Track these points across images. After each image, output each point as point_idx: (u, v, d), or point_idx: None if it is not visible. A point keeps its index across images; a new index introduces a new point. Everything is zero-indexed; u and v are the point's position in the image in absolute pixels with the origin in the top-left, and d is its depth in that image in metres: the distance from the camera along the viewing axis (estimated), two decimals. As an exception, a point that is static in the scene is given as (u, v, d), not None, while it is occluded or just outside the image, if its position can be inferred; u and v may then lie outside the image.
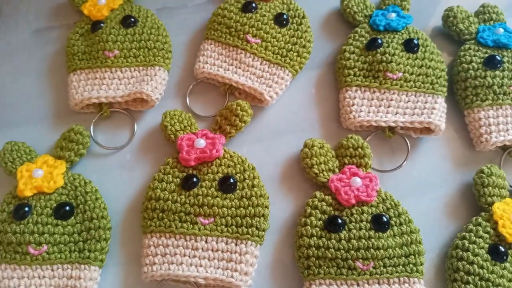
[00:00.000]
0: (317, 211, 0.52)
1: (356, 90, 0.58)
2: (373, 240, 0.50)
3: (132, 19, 0.59)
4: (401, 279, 0.50)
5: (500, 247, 0.51)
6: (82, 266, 0.49)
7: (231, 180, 0.52)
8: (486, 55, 0.59)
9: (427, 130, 0.57)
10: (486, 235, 0.51)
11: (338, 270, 0.49)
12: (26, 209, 0.50)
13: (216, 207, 0.51)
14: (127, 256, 0.52)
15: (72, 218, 0.51)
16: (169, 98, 0.59)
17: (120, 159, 0.56)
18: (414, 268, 0.50)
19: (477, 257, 0.50)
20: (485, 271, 0.49)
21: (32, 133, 0.57)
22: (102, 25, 0.59)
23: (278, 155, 0.57)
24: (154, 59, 0.58)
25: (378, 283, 0.49)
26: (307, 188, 0.55)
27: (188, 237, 0.50)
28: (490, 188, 0.53)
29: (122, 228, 0.53)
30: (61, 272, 0.49)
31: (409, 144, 0.57)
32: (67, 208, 0.51)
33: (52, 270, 0.49)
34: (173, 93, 0.60)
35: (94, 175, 0.54)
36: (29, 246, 0.49)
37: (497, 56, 0.58)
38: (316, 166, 0.54)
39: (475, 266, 0.50)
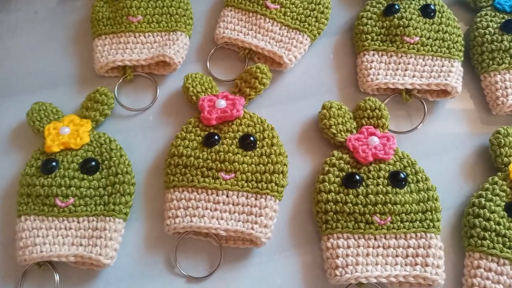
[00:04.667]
0: (335, 168, 0.53)
1: (373, 54, 0.59)
2: (390, 195, 0.51)
3: (155, -14, 0.61)
4: (418, 234, 0.50)
5: (517, 205, 0.51)
6: (107, 218, 0.51)
7: (251, 138, 0.53)
8: (503, 20, 0.60)
9: (444, 93, 0.58)
10: (503, 194, 0.52)
11: (356, 225, 0.50)
12: (54, 163, 0.52)
13: (237, 163, 0.52)
14: (150, 212, 0.54)
15: (98, 173, 0.53)
16: (190, 63, 0.61)
17: (143, 121, 0.58)
18: (431, 224, 0.51)
19: (493, 214, 0.51)
20: (501, 227, 0.50)
21: (59, 96, 0.59)
22: (126, -9, 0.61)
23: (297, 118, 0.58)
24: (176, 24, 0.60)
25: (395, 238, 0.50)
26: (325, 149, 0.56)
27: (210, 192, 0.51)
28: (507, 148, 0.54)
29: (144, 186, 0.55)
30: (87, 224, 0.51)
31: (426, 107, 0.58)
32: (93, 163, 0.53)
33: (78, 222, 0.51)
34: (194, 59, 0.62)
35: (118, 135, 0.56)
36: (57, 198, 0.51)
37: (514, 21, 0.59)
38: (334, 127, 0.55)
39: (492, 222, 0.50)
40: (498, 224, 0.50)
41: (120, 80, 0.59)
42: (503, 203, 0.51)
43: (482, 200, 0.52)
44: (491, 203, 0.51)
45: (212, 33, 0.62)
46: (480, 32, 0.60)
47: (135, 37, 0.59)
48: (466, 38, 0.61)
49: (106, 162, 0.53)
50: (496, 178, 0.53)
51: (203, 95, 0.56)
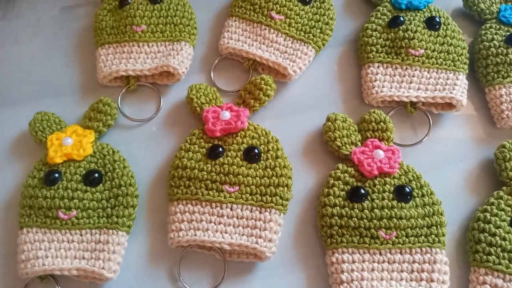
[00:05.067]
0: (340, 182, 0.53)
1: (378, 66, 0.58)
2: (395, 210, 0.51)
3: (159, -5, 0.61)
4: (423, 249, 0.50)
5: (522, 220, 0.51)
6: (110, 231, 0.50)
7: (256, 150, 0.53)
8: (508, 33, 0.60)
9: (449, 106, 0.58)
10: (508, 208, 0.52)
11: (361, 239, 0.50)
12: (56, 175, 0.52)
13: (241, 176, 0.52)
14: (153, 225, 0.53)
15: (101, 185, 0.52)
16: (194, 73, 0.61)
17: (146, 131, 0.58)
18: (436, 239, 0.51)
19: (499, 229, 0.50)
20: (507, 242, 0.50)
21: (61, 106, 0.58)
22: (129, 1, 0.60)
23: (301, 130, 0.58)
24: (180, 34, 0.59)
25: (401, 252, 0.50)
26: (329, 162, 0.56)
27: (214, 204, 0.51)
28: (512, 162, 0.54)
29: (148, 198, 0.54)
30: (90, 237, 0.50)
31: (431, 120, 0.57)
32: (96, 175, 0.52)
33: (81, 234, 0.50)
34: (198, 69, 0.61)
35: (121, 146, 0.56)
36: (59, 210, 0.50)
37: (519, 34, 0.59)
38: (339, 139, 0.54)
39: (497, 237, 0.50)
40: (504, 239, 0.50)
41: (124, 90, 0.59)
42: (508, 218, 0.51)
43: (488, 214, 0.51)
44: (497, 218, 0.51)
45: (216, 43, 0.61)
46: (485, 45, 0.60)
47: (138, 46, 0.59)
48: (471, 50, 0.61)
49: (109, 173, 0.53)
50: (501, 193, 0.53)
51: (207, 106, 0.56)
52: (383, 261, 0.50)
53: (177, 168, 0.52)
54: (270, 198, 0.51)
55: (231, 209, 0.51)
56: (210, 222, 0.50)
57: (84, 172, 0.52)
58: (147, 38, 0.59)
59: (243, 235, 0.50)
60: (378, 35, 0.60)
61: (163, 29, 0.60)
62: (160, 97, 0.59)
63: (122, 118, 0.58)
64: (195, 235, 0.49)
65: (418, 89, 0.57)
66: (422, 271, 0.49)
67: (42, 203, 0.50)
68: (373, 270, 0.49)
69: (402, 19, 0.60)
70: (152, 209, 0.54)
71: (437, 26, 0.60)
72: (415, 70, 0.58)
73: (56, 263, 0.48)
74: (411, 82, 0.58)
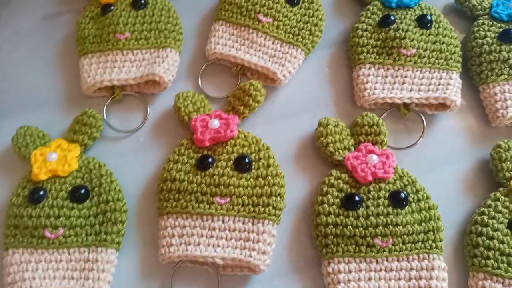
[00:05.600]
0: (334, 189, 0.51)
1: (370, 68, 0.57)
2: (391, 216, 0.49)
3: (142, 1, 0.59)
4: (421, 255, 0.49)
5: (520, 221, 0.50)
6: (99, 249, 0.49)
7: (246, 160, 0.52)
8: (501, 29, 0.58)
9: (443, 106, 0.57)
10: (506, 210, 0.51)
11: (357, 248, 0.49)
12: (41, 193, 0.50)
13: (232, 187, 0.50)
14: (144, 239, 0.52)
15: (88, 201, 0.51)
16: (181, 80, 0.59)
17: (134, 142, 0.56)
18: (434, 245, 0.49)
19: (497, 232, 0.49)
20: (505, 246, 0.49)
21: (44, 119, 0.56)
22: (112, 8, 0.59)
23: (292, 135, 0.57)
24: (165, 41, 0.58)
25: (398, 260, 0.49)
26: (322, 168, 0.54)
27: (205, 218, 0.50)
28: (508, 162, 0.53)
29: (137, 211, 0.53)
30: (78, 256, 0.48)
31: (424, 121, 0.56)
32: (83, 191, 0.50)
33: (69, 253, 0.49)
34: (185, 76, 0.59)
35: (108, 158, 0.54)
36: (46, 229, 0.49)
37: (512, 30, 0.58)
38: (331, 145, 0.53)
39: (495, 241, 0.49)
40: (502, 242, 0.49)
41: (109, 101, 0.57)
42: (506, 220, 0.50)
43: (485, 217, 0.50)
44: (494, 221, 0.50)
45: (203, 48, 0.60)
46: (477, 42, 0.58)
47: (123, 55, 0.57)
48: (463, 48, 0.60)
49: (96, 189, 0.51)
50: (498, 194, 0.52)
51: (196, 115, 0.54)
52: (380, 270, 0.49)
53: (165, 181, 0.51)
54: (262, 209, 0.50)
55: (223, 222, 0.49)
56: (202, 236, 0.49)
57: (70, 188, 0.51)
58: (131, 45, 0.57)
59: (236, 248, 0.48)
60: (369, 35, 0.58)
61: (147, 35, 0.58)
62: (147, 107, 0.57)
63: (108, 130, 0.56)
64: (187, 250, 0.48)
65: (411, 90, 0.56)
66: (420, 278, 0.48)
67: (27, 222, 0.49)
68: (370, 279, 0.48)
69: (392, 18, 0.59)
70: (142, 223, 0.52)
71: (428, 25, 0.58)
72: (407, 70, 0.57)
73: (44, 284, 0.47)
74: (403, 83, 0.56)
